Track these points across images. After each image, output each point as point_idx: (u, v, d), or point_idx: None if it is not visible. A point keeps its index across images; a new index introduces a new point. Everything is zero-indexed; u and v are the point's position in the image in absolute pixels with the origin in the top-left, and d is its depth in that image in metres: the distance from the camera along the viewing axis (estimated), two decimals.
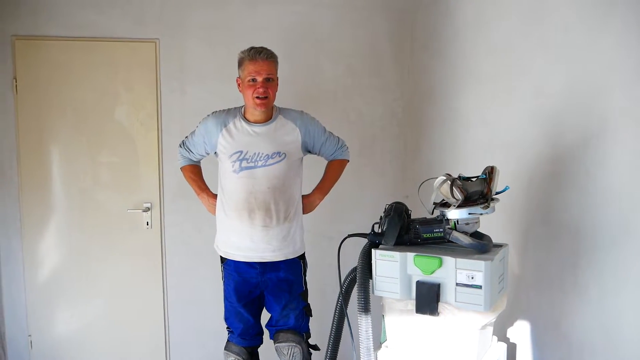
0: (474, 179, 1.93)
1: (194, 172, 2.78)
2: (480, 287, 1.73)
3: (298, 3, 3.54)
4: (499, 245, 1.92)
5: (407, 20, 3.64)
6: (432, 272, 1.80)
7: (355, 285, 1.92)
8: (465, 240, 1.83)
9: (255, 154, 2.51)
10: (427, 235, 1.91)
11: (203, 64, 3.48)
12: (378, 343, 2.06)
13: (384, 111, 3.69)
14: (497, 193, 1.92)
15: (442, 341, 1.87)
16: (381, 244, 1.92)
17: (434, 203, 1.95)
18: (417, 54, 3.56)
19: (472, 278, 1.74)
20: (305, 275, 2.69)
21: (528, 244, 2.33)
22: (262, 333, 2.72)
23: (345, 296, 2.01)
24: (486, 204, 1.86)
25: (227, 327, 2.71)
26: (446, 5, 3.09)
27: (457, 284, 1.76)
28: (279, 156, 2.52)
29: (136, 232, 3.50)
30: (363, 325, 1.88)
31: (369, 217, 2.13)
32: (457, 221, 1.88)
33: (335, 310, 2.09)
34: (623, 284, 1.79)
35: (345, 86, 3.62)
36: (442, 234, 1.89)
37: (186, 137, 2.75)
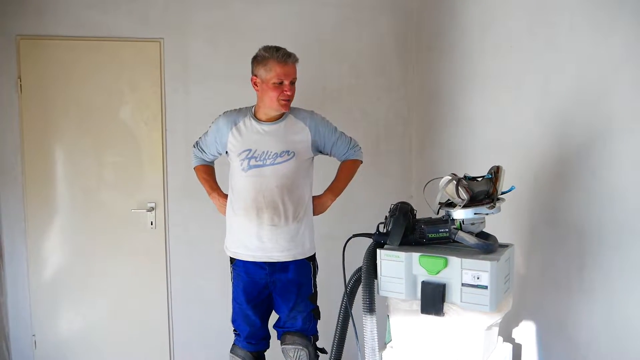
0: (479, 179, 1.92)
1: (207, 172, 2.78)
2: (486, 287, 1.72)
3: (303, 2, 3.54)
4: (505, 246, 1.91)
5: (412, 19, 3.63)
6: (438, 273, 1.79)
7: (360, 286, 1.91)
8: (470, 240, 1.82)
9: (264, 152, 2.50)
10: (433, 235, 1.90)
11: (207, 63, 3.48)
12: (383, 343, 2.05)
13: (389, 111, 3.68)
14: (502, 193, 1.91)
15: (447, 342, 1.86)
16: (386, 244, 1.91)
17: (440, 203, 1.94)
18: (422, 54, 3.56)
19: (478, 278, 1.73)
20: (315, 278, 2.66)
21: (534, 244, 2.32)
22: (268, 337, 2.70)
23: (350, 296, 2.01)
24: (492, 204, 1.86)
25: (234, 330, 2.69)
26: (451, 5, 3.08)
27: (462, 284, 1.75)
28: (288, 155, 2.51)
29: (140, 232, 3.49)
30: (368, 325, 1.88)
31: (373, 217, 2.13)
32: (463, 221, 1.87)
33: (340, 310, 2.08)
34: (630, 285, 1.78)
35: (350, 86, 3.62)
36: (448, 234, 1.88)
37: (200, 137, 2.75)
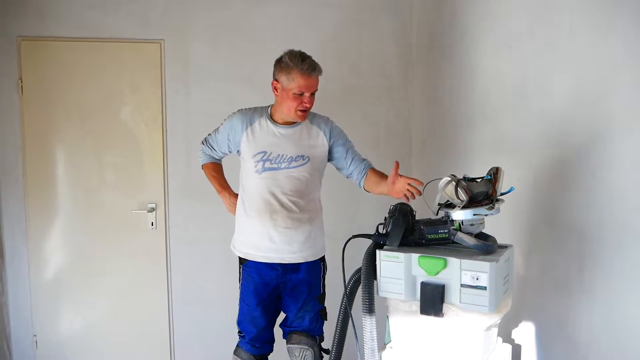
0: (478, 180, 1.92)
1: (216, 169, 2.76)
2: (485, 288, 1.72)
3: (303, 3, 3.54)
4: (504, 246, 1.91)
5: (412, 20, 3.63)
6: (437, 273, 1.79)
7: (360, 286, 1.92)
8: (470, 241, 1.82)
9: (279, 155, 2.48)
10: (432, 236, 1.90)
11: (208, 64, 3.48)
12: (382, 344, 2.05)
13: (389, 111, 3.68)
14: (502, 194, 1.91)
15: (446, 342, 1.86)
16: (386, 244, 1.91)
17: (439, 204, 1.95)
18: (423, 54, 3.55)
19: (477, 279, 1.73)
20: (324, 279, 2.66)
21: (533, 245, 2.32)
22: (272, 341, 2.68)
23: (349, 297, 2.01)
24: (491, 205, 1.86)
25: (239, 332, 2.66)
26: (451, 5, 3.08)
27: (461, 285, 1.75)
28: (303, 160, 2.49)
29: (141, 233, 3.50)
30: (367, 326, 1.88)
31: (373, 218, 2.13)
32: (462, 222, 1.88)
33: (340, 311, 2.08)
34: (630, 285, 1.78)
35: (350, 86, 3.62)
36: (447, 235, 1.88)
37: (209, 134, 2.71)
